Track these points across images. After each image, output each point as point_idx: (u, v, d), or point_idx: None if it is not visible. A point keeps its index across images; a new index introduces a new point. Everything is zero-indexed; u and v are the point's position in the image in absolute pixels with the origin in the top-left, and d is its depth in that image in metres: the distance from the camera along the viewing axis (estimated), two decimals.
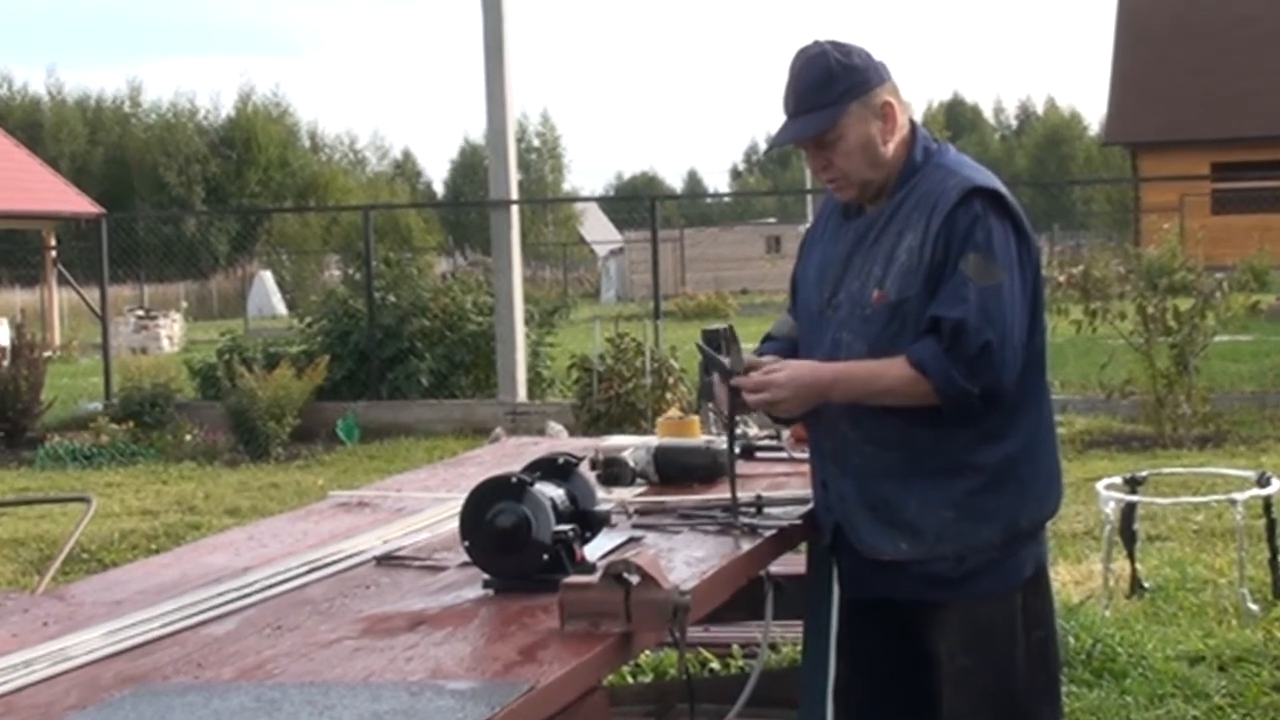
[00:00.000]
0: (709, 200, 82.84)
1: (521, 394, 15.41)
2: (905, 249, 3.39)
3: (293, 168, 63.37)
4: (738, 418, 3.70)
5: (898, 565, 3.45)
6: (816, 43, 3.48)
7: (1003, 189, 3.44)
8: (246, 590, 3.10)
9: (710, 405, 4.60)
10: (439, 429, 15.09)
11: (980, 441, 3.39)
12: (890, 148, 3.46)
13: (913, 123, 3.54)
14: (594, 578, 2.67)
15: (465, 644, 2.66)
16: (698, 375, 4.69)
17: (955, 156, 3.54)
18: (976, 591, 3.43)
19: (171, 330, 30.14)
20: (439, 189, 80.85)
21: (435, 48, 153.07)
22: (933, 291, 3.34)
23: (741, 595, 3.39)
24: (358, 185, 66.27)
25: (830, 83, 3.40)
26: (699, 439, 4.30)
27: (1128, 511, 7.26)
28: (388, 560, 3.36)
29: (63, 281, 28.96)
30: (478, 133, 72.96)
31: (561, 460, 3.15)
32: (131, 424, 14.98)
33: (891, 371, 3.35)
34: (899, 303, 3.38)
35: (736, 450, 4.18)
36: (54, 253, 29.87)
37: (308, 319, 17.57)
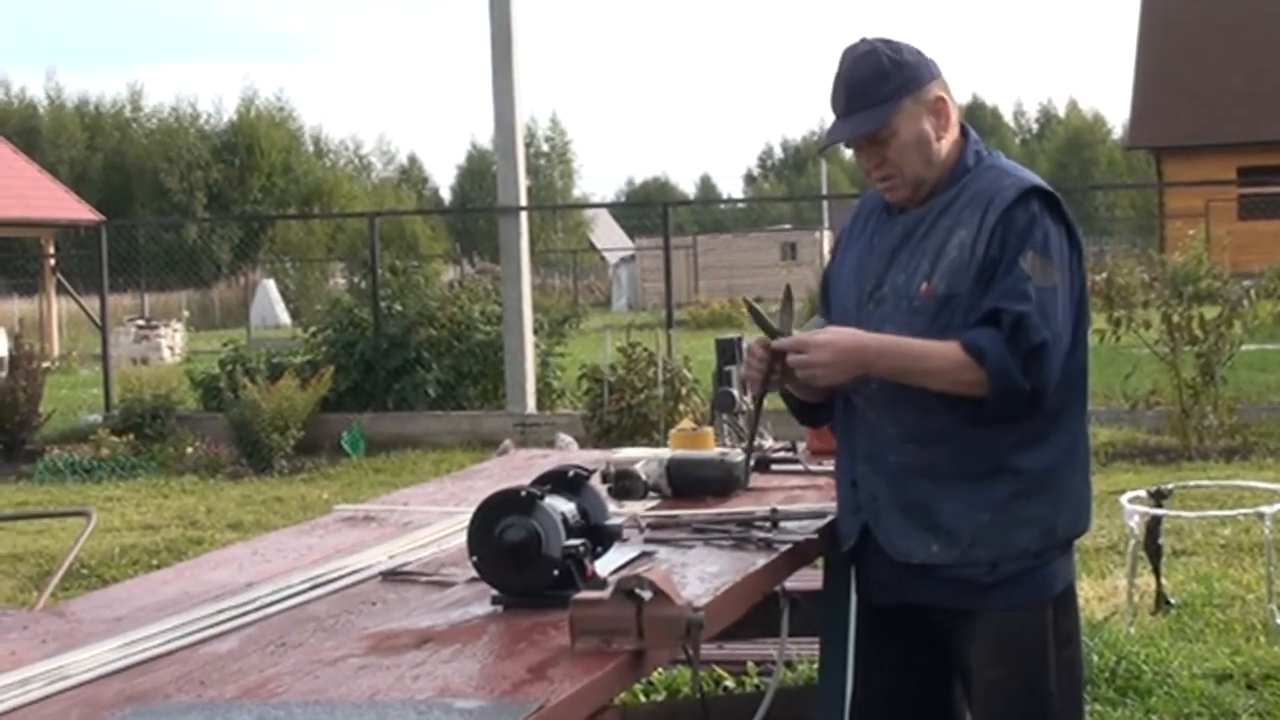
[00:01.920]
0: (723, 206, 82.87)
1: (531, 405, 15.42)
2: (956, 244, 3.40)
3: (296, 174, 63.48)
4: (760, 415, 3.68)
5: (927, 569, 3.44)
6: (865, 40, 3.50)
7: (1058, 194, 3.47)
8: (249, 607, 3.11)
9: (725, 416, 4.61)
10: (446, 441, 15.10)
11: (1022, 445, 3.39)
12: (944, 145, 3.48)
13: (965, 127, 3.56)
14: (605, 594, 2.67)
15: (474, 662, 2.66)
16: (711, 385, 4.69)
17: (1007, 161, 3.57)
18: (1008, 601, 3.42)
19: (173, 340, 30.18)
20: (446, 195, 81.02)
21: (442, 50, 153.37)
22: (984, 287, 3.35)
23: (757, 611, 3.38)
24: (363, 191, 66.37)
25: (883, 79, 3.42)
26: (713, 451, 4.29)
27: (1153, 526, 7.25)
28: (394, 576, 3.36)
29: (61, 290, 29.02)
30: (485, 137, 73.11)
31: (572, 473, 3.15)
32: (132, 436, 15.01)
33: (942, 352, 3.33)
34: (948, 297, 3.38)
35: (752, 463, 4.20)
36: (53, 261, 29.94)
37: (312, 328, 17.60)
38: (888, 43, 3.49)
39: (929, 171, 3.47)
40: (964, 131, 3.55)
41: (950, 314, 3.38)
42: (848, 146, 3.55)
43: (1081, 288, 3.47)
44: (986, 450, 3.38)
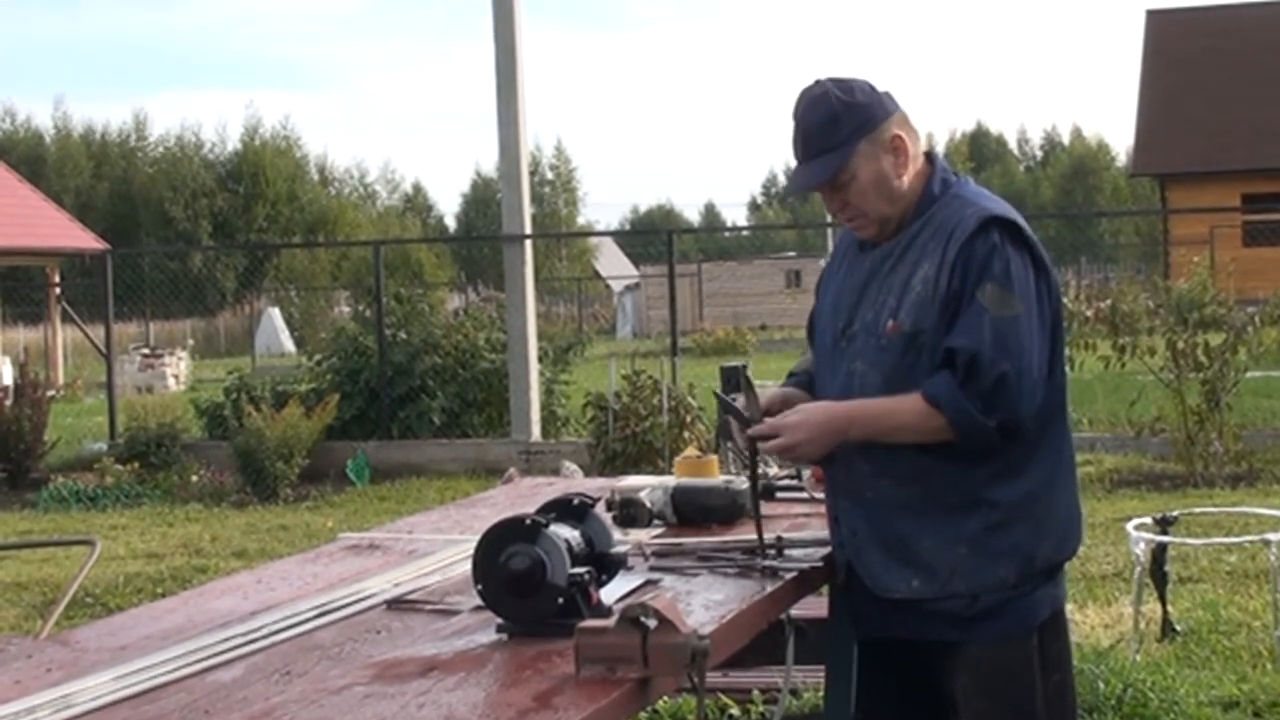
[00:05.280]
0: (727, 234, 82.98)
1: (535, 433, 15.41)
2: (920, 279, 3.41)
3: (301, 202, 63.63)
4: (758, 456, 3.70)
5: (910, 604, 3.44)
6: (818, 82, 3.50)
7: (1021, 220, 3.45)
8: (254, 635, 3.10)
9: (730, 445, 4.61)
10: (451, 469, 15.10)
11: (997, 477, 3.39)
12: (905, 180, 3.48)
13: (931, 154, 3.57)
14: (610, 621, 2.66)
15: (479, 690, 2.66)
16: (716, 413, 4.70)
17: (974, 189, 3.56)
18: (991, 632, 3.42)
19: (177, 368, 30.18)
20: (450, 223, 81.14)
21: (446, 78, 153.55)
22: (949, 321, 3.36)
23: (762, 639, 3.38)
24: (368, 219, 66.53)
25: (836, 124, 3.43)
26: (717, 479, 4.29)
27: (1159, 552, 7.23)
28: (399, 604, 3.36)
29: (67, 319, 29.03)
30: (490, 165, 73.32)
31: (577, 501, 3.15)
32: (137, 465, 15.00)
33: (906, 407, 3.35)
34: (914, 333, 3.39)
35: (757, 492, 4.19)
36: (58, 290, 29.96)
37: (317, 357, 17.60)
38: (839, 83, 3.49)
39: (892, 209, 3.48)
40: (930, 158, 3.56)
41: (917, 350, 3.39)
42: (812, 191, 3.56)
43: (1054, 312, 3.46)
44: (961, 484, 3.39)
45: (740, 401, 3.54)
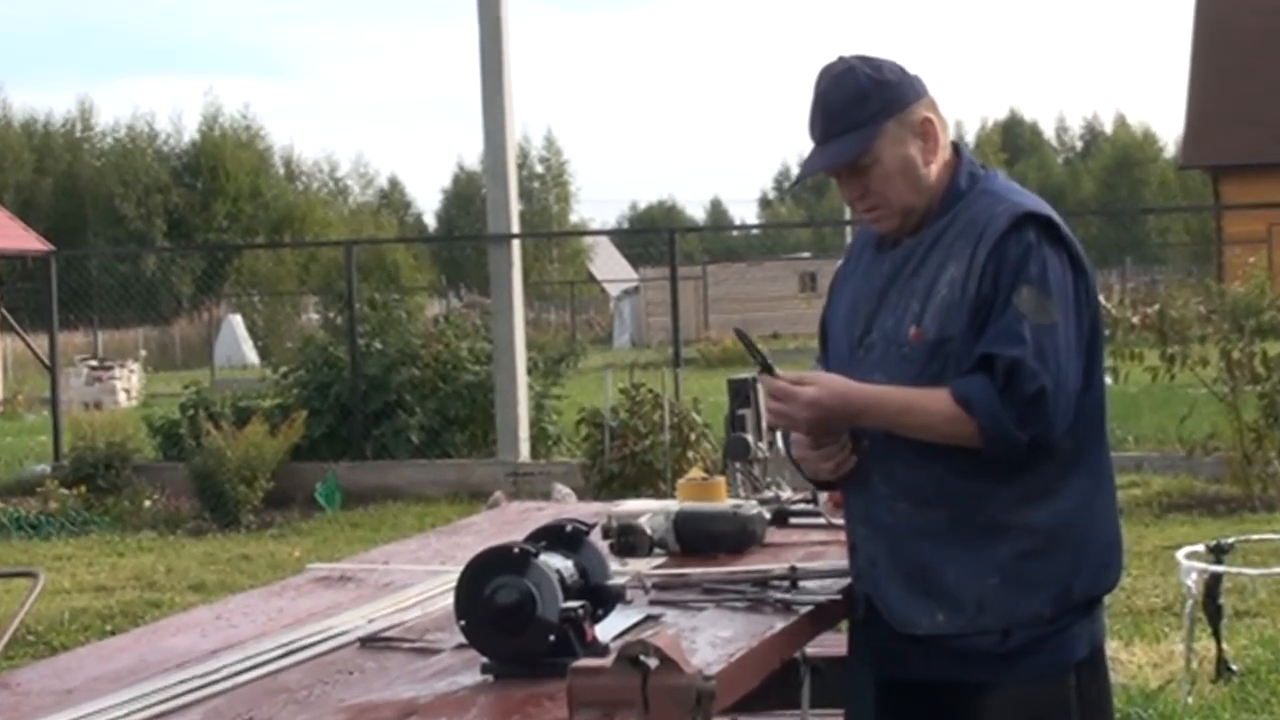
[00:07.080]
0: (735, 232, 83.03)
1: (524, 453, 15.44)
2: (947, 281, 3.40)
3: (265, 198, 63.71)
4: (768, 478, 3.71)
5: (934, 640, 3.43)
6: (843, 59, 3.51)
7: (1057, 216, 3.45)
8: (214, 677, 3.11)
9: (738, 465, 4.62)
10: (431, 493, 15.11)
11: (1029, 499, 3.38)
12: (933, 169, 3.48)
13: (957, 146, 3.57)
14: (607, 661, 2.66)
15: None
16: (724, 430, 4.70)
17: (1004, 182, 3.56)
18: (1024, 671, 3.41)
19: (129, 382, 30.25)
20: (430, 221, 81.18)
21: (426, 63, 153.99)
22: (979, 329, 3.35)
23: (774, 680, 3.38)
24: (339, 218, 66.59)
25: (863, 101, 3.43)
26: (725, 503, 4.29)
27: (1212, 584, 7.24)
28: (373, 642, 3.36)
29: (6, 327, 29.06)
30: (473, 158, 73.38)
31: (570, 528, 3.15)
32: (84, 488, 15.02)
33: (932, 405, 3.34)
34: (940, 341, 3.39)
35: (767, 516, 4.20)
36: None
37: (283, 369, 17.66)
38: (867, 61, 3.49)
39: (917, 198, 3.48)
40: (956, 151, 3.56)
41: (943, 360, 3.38)
42: (829, 175, 3.55)
43: (1093, 318, 3.46)
44: (989, 507, 3.38)
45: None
